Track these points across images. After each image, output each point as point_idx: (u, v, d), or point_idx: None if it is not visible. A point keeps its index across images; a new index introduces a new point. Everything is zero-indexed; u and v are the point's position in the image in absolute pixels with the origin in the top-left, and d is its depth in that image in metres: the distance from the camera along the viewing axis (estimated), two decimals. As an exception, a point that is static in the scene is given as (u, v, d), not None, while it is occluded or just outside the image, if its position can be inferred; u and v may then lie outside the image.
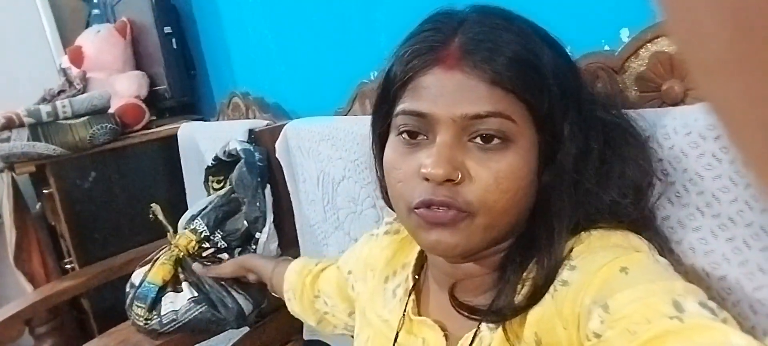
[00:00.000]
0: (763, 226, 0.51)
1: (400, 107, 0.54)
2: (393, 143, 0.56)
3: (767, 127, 0.16)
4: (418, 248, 0.67)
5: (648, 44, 0.65)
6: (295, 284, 0.92)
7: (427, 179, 0.50)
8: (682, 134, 0.55)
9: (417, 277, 0.66)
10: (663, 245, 0.57)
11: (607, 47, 0.71)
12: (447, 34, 0.52)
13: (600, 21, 0.73)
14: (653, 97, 0.65)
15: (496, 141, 0.50)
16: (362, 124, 0.93)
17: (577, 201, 0.53)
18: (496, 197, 0.50)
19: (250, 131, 1.33)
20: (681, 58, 0.19)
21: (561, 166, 0.52)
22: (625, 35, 0.70)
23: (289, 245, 1.26)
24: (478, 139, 0.50)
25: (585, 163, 0.53)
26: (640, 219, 0.55)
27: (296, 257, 1.16)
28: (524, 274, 0.52)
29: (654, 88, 0.65)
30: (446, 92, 0.51)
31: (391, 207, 0.67)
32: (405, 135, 0.54)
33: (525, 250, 0.53)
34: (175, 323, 1.11)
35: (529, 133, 0.51)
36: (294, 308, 0.93)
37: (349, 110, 1.14)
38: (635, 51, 0.66)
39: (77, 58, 1.95)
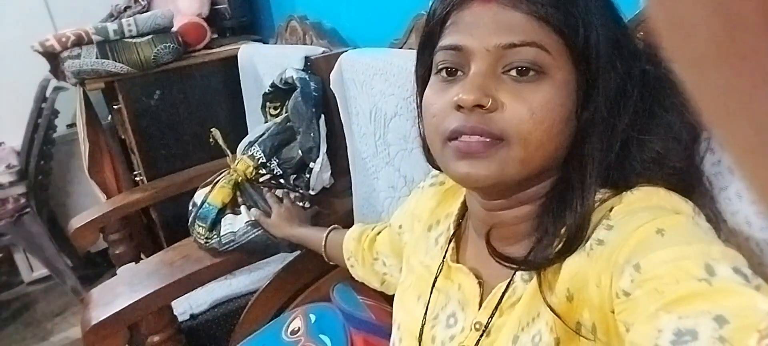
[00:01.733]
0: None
1: (438, 45, 0.55)
2: (432, 83, 0.57)
3: (754, 120, 0.15)
4: (461, 198, 0.68)
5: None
6: (355, 251, 0.94)
7: (459, 108, 0.51)
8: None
9: (458, 225, 0.67)
10: (715, 214, 0.55)
11: None
12: None
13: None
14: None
15: (531, 73, 0.50)
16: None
17: (612, 146, 0.52)
18: (530, 128, 0.50)
19: (306, 59, 1.33)
20: (667, 51, 0.18)
21: (596, 107, 0.51)
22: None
23: (341, 176, 1.29)
24: (513, 72, 0.51)
25: (623, 107, 0.52)
26: (685, 176, 0.53)
27: (348, 192, 1.19)
28: (562, 229, 0.52)
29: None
30: (482, 24, 0.52)
31: (431, 163, 0.67)
32: (443, 73, 0.55)
33: (561, 197, 0.53)
34: (233, 243, 1.18)
35: (565, 67, 0.51)
36: (358, 273, 0.96)
37: (405, 43, 1.12)
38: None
39: (141, -26, 1.98)
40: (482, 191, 0.58)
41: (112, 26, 1.64)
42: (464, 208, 0.67)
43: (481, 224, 0.61)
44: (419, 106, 0.62)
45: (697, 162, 0.56)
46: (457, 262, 0.64)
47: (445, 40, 0.54)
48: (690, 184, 0.54)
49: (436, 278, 0.65)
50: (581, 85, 0.51)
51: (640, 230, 0.46)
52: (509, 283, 0.56)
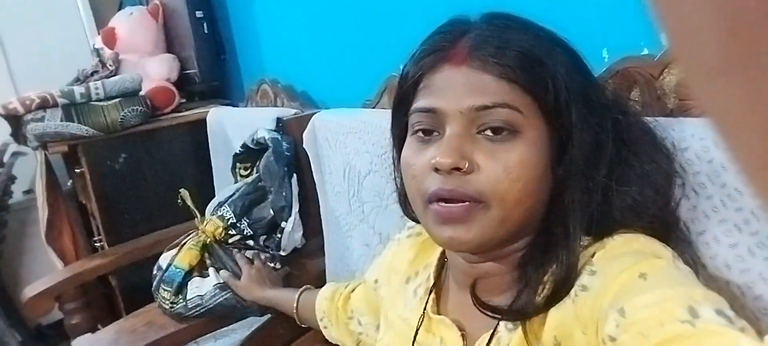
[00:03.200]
0: (804, 247, 0.49)
1: (413, 107, 0.56)
2: (409, 142, 0.58)
3: (763, 131, 0.15)
4: (439, 249, 0.67)
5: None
6: (329, 310, 0.91)
7: (437, 170, 0.52)
8: (723, 148, 0.53)
9: (438, 276, 0.66)
10: (694, 258, 0.56)
11: (646, 51, 0.69)
12: (456, 36, 0.54)
13: (639, 24, 0.71)
14: (692, 105, 0.63)
15: (505, 133, 0.51)
16: (390, 118, 0.93)
17: (592, 197, 0.53)
18: (507, 187, 0.51)
19: (278, 119, 1.33)
20: (676, 61, 0.18)
21: (572, 160, 0.52)
22: (665, 40, 0.68)
23: (312, 236, 1.27)
24: (488, 132, 0.52)
25: (598, 158, 0.53)
26: (662, 222, 0.55)
27: (320, 252, 1.17)
28: (545, 277, 0.52)
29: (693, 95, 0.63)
30: (454, 87, 0.53)
31: (409, 216, 0.67)
32: (420, 133, 0.56)
33: (543, 247, 0.54)
34: (200, 307, 1.13)
35: (537, 125, 0.52)
36: (332, 334, 0.92)
37: (378, 103, 1.14)
38: (675, 57, 0.64)
39: (110, 39, 1.97)
40: (465, 252, 0.58)
41: (78, 89, 1.62)
42: (443, 258, 0.67)
43: (465, 276, 0.61)
44: (395, 161, 0.63)
45: (672, 208, 0.57)
46: (438, 313, 0.63)
47: (420, 103, 0.55)
48: (667, 229, 0.55)
49: (416, 331, 0.63)
50: (555, 141, 0.53)
51: (623, 275, 0.46)
52: (493, 333, 0.55)
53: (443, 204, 0.52)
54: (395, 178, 0.66)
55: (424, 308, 0.64)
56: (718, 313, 0.40)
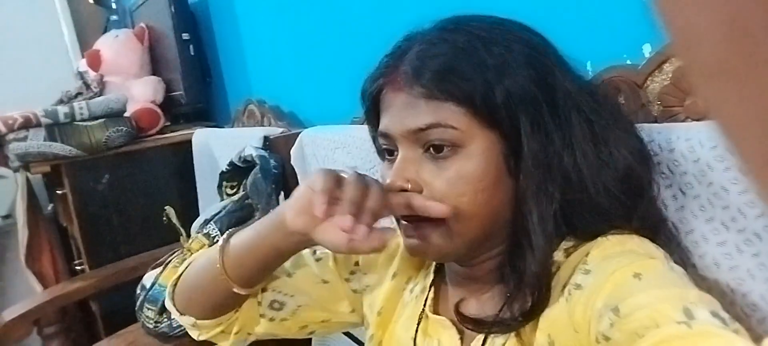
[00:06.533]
0: (789, 242, 0.51)
1: (378, 129, 0.59)
2: (385, 161, 0.61)
3: (765, 129, 0.16)
4: None
5: (672, 59, 0.64)
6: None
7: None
8: (708, 148, 0.55)
9: (437, 273, 0.66)
10: (684, 258, 0.57)
11: (628, 62, 0.71)
12: (398, 58, 0.57)
13: (622, 36, 0.73)
14: (677, 112, 0.65)
15: (445, 150, 0.53)
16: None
17: (550, 200, 0.52)
18: (455, 202, 0.52)
19: (266, 138, 1.33)
20: (679, 62, 0.18)
21: (525, 164, 0.53)
22: (646, 51, 0.69)
23: (300, 253, 1.26)
24: (431, 150, 0.54)
25: (553, 160, 0.52)
26: (650, 224, 0.55)
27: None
28: (524, 283, 0.53)
29: (677, 102, 0.64)
30: (396, 111, 0.56)
31: None
32: (386, 153, 0.59)
33: (516, 253, 0.54)
34: (185, 326, 1.11)
35: (480, 136, 0.53)
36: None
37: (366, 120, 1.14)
38: (659, 66, 0.66)
39: (95, 61, 1.97)
40: (439, 259, 0.61)
41: (63, 109, 1.61)
42: None
43: (455, 275, 0.62)
44: None
45: (658, 208, 0.58)
46: (436, 312, 0.63)
47: (380, 125, 0.58)
48: (655, 229, 0.56)
49: (416, 330, 0.63)
50: (506, 147, 0.53)
51: (617, 274, 0.47)
52: (488, 335, 0.56)
53: (404, 223, 0.56)
54: None
55: (424, 307, 0.64)
56: (713, 315, 0.40)
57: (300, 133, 1.22)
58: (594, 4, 0.77)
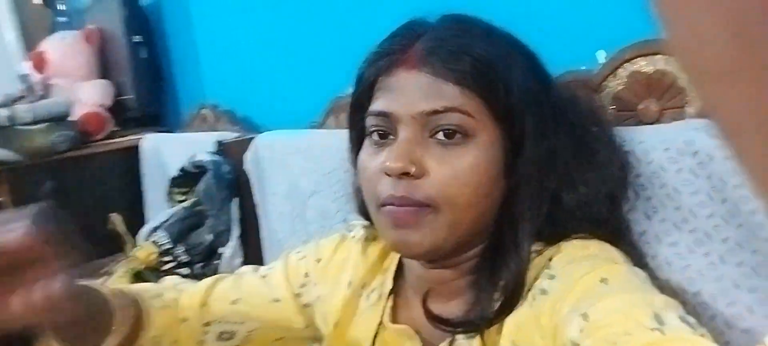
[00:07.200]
0: (739, 242, 0.52)
1: (369, 110, 0.56)
2: (365, 146, 0.57)
3: (766, 133, 0.15)
4: (396, 256, 0.65)
5: (626, 64, 0.66)
6: (171, 327, 0.63)
7: (388, 174, 0.52)
8: (661, 150, 0.56)
9: (395, 281, 0.64)
10: (639, 260, 0.57)
11: (583, 68, 0.72)
12: (410, 39, 0.54)
13: (577, 42, 0.74)
14: (630, 116, 0.66)
15: (456, 136, 0.51)
16: (336, 137, 0.91)
17: (542, 205, 0.53)
18: (457, 192, 0.51)
19: (219, 143, 1.30)
20: (680, 63, 0.18)
21: (524, 167, 0.53)
22: (601, 57, 0.71)
23: (253, 262, 1.22)
24: (439, 135, 0.52)
25: (551, 164, 0.53)
26: (616, 229, 0.56)
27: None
28: (497, 285, 0.52)
29: (631, 106, 0.65)
30: (406, 91, 0.53)
31: (365, 218, 0.65)
32: (375, 135, 0.55)
33: (494, 255, 0.54)
34: (130, 337, 1.06)
35: (489, 129, 0.52)
36: None
37: (323, 125, 1.13)
38: (613, 71, 0.67)
39: (39, 63, 1.89)
40: (416, 258, 0.58)
41: (4, 112, 1.53)
42: (401, 264, 0.65)
43: (420, 281, 0.60)
44: (354, 163, 0.62)
45: (623, 214, 0.59)
46: (395, 321, 0.61)
47: (375, 106, 0.55)
48: (618, 235, 0.56)
49: (373, 341, 0.61)
50: (507, 146, 0.53)
51: (583, 279, 0.47)
52: (452, 341, 0.54)
53: (394, 208, 0.52)
54: (355, 179, 0.64)
55: (381, 318, 0.61)
56: (682, 320, 0.41)
57: (254, 137, 1.19)
58: (549, 11, 0.78)
